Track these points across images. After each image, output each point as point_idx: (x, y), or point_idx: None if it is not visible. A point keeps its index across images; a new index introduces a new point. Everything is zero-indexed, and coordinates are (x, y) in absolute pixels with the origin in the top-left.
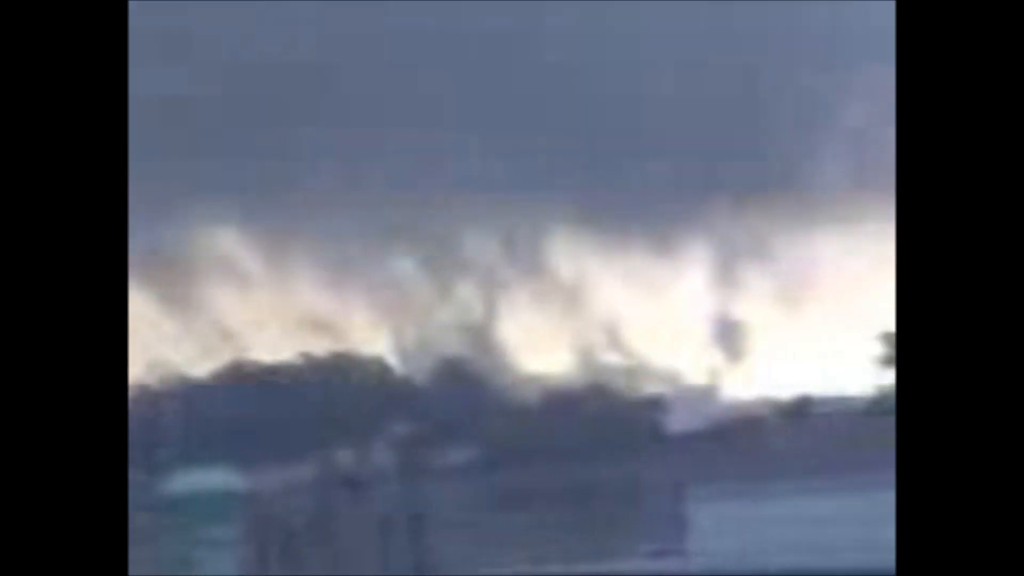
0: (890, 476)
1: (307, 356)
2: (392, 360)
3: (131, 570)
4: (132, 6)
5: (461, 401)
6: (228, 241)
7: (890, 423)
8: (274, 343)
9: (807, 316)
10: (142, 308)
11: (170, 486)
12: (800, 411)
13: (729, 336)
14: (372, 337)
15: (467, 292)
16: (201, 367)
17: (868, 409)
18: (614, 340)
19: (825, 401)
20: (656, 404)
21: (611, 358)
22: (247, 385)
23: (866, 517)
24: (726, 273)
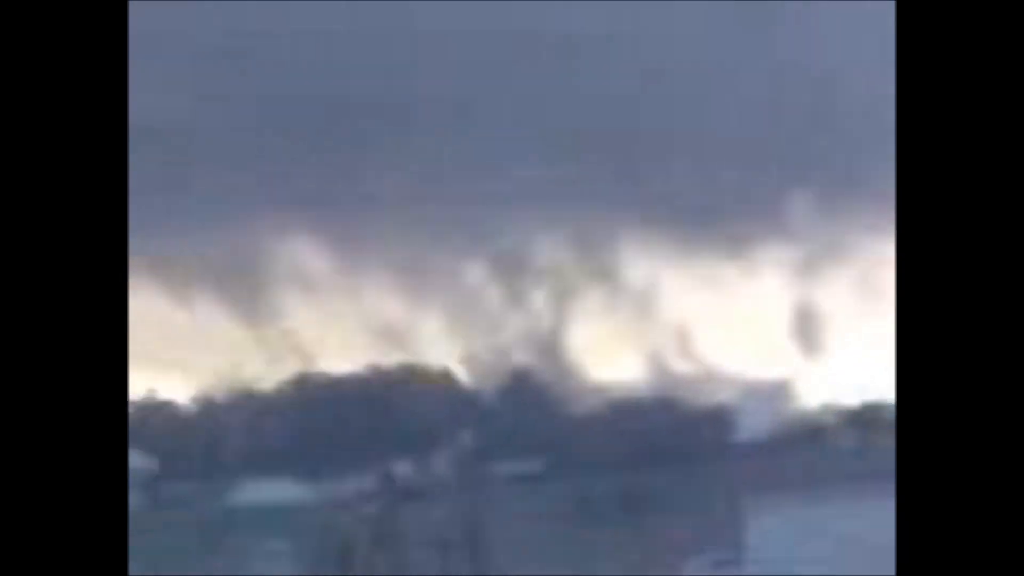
0: None
1: (375, 367)
2: (459, 371)
3: None
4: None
5: (527, 412)
6: (299, 250)
7: None
8: (343, 353)
9: (879, 321)
10: (215, 318)
11: (235, 496)
12: (867, 418)
13: (803, 334)
14: (441, 347)
15: (538, 299)
16: (269, 378)
17: None
18: (684, 347)
19: (891, 407)
20: (723, 413)
21: (681, 365)
22: (314, 397)
23: None
24: (799, 276)
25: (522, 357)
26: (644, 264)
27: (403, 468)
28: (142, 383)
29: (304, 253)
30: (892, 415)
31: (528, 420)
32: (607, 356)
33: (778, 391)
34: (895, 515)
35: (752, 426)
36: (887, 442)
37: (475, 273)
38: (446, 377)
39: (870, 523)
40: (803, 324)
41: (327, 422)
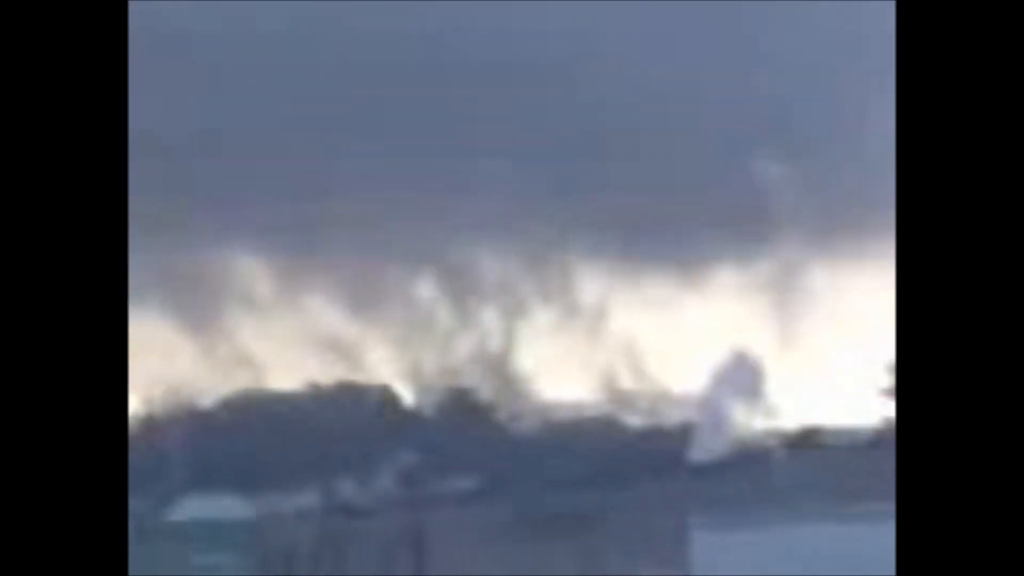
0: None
1: (316, 384)
2: (400, 389)
3: None
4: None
5: (469, 430)
6: (246, 264)
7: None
8: (287, 369)
9: (816, 348)
10: (154, 331)
11: (176, 511)
12: (806, 442)
13: (745, 366)
14: (386, 364)
15: (488, 317)
16: (212, 394)
17: (873, 440)
18: (635, 366)
19: (831, 432)
20: (672, 434)
21: (632, 385)
22: (256, 413)
23: (869, 546)
24: (742, 302)
25: (469, 377)
26: (596, 282)
27: (345, 485)
28: None
29: (251, 267)
30: (831, 439)
31: (470, 438)
32: (557, 375)
33: (727, 412)
34: (895, 519)
35: (701, 447)
36: (829, 464)
37: (424, 290)
38: (387, 394)
39: (819, 543)
40: (753, 344)
41: (269, 438)
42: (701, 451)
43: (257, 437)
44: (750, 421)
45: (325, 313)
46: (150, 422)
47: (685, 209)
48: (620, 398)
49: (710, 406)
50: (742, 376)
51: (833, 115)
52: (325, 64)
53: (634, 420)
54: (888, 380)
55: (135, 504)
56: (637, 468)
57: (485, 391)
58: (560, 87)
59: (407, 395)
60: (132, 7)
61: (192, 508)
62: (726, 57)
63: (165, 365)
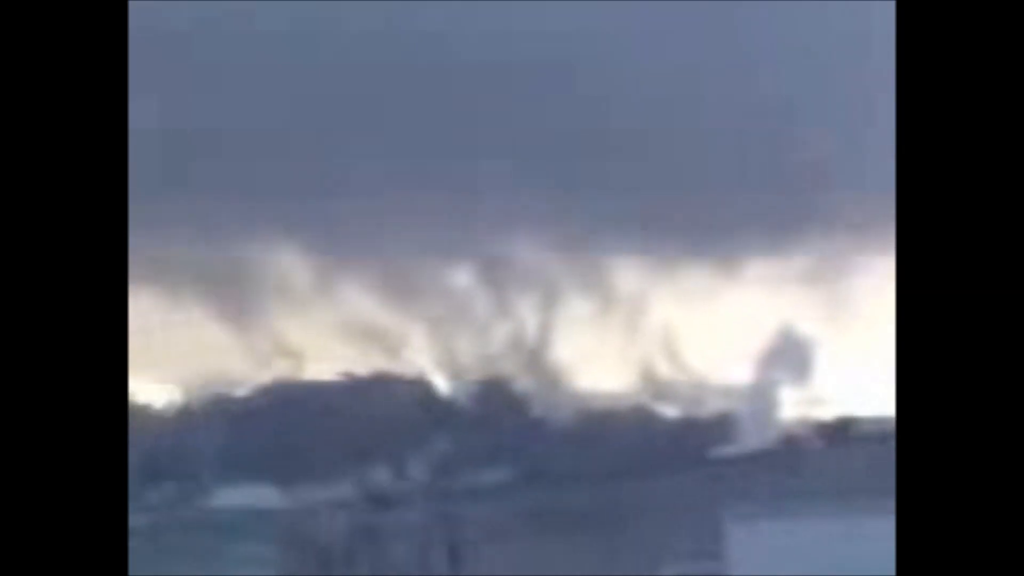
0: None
1: (351, 375)
2: (436, 379)
3: None
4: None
5: (505, 421)
6: (284, 254)
7: None
8: (323, 359)
9: (853, 337)
10: (191, 322)
11: (212, 502)
12: (847, 432)
13: (785, 357)
14: (422, 356)
15: (525, 309)
16: (247, 384)
17: None
18: (672, 358)
19: (871, 422)
20: (710, 425)
21: (666, 376)
22: (292, 402)
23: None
24: (781, 294)
25: (504, 367)
26: (635, 272)
27: (380, 475)
28: None
29: (288, 259)
30: (868, 428)
31: (506, 429)
32: (594, 366)
33: (766, 403)
34: (895, 518)
35: (739, 439)
36: (867, 456)
37: (461, 279)
38: (423, 385)
39: (855, 536)
40: (791, 335)
41: (305, 428)
42: (744, 443)
43: (293, 427)
44: (792, 410)
45: (362, 304)
46: (186, 412)
47: (717, 203)
48: (658, 389)
49: (753, 393)
50: (785, 363)
51: (838, 109)
52: (325, 64)
53: (672, 411)
54: None
55: (170, 492)
56: (675, 459)
57: (521, 382)
58: (562, 85)
59: (443, 385)
60: (132, 7)
61: (227, 497)
62: (729, 55)
63: (202, 355)
